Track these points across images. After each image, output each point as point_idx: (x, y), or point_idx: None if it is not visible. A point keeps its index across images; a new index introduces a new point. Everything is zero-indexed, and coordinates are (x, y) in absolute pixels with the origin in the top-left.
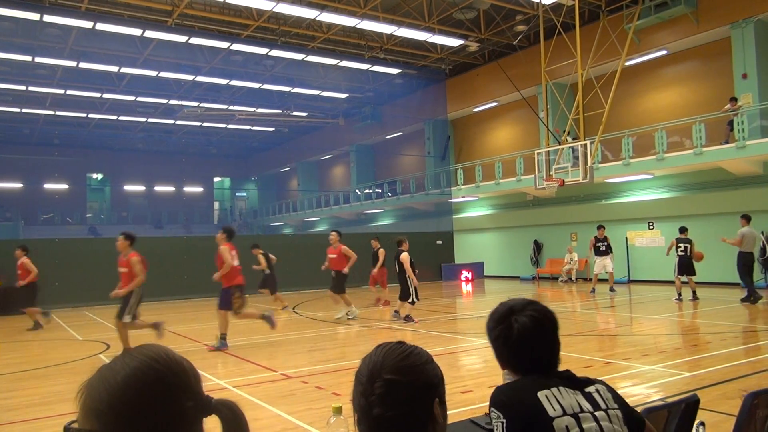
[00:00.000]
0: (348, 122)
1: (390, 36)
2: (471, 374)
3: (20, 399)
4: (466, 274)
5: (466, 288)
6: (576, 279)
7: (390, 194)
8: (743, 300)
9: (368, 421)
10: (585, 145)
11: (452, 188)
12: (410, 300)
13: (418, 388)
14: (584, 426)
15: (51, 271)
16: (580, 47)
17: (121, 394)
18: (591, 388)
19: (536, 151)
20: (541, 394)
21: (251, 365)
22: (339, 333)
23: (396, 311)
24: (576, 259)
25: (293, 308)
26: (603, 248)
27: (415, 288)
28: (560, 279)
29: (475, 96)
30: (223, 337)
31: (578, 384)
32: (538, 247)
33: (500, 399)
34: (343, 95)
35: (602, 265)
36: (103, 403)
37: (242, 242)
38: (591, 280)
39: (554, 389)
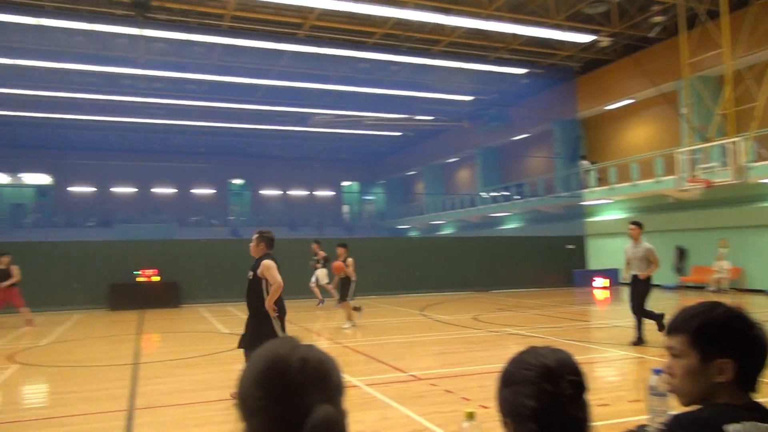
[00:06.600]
0: (473, 125)
1: (515, 35)
2: (608, 387)
3: (173, 385)
4: (600, 280)
5: (600, 295)
6: (728, 289)
7: (518, 197)
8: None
9: (555, 420)
10: (736, 142)
11: (584, 191)
12: None
13: (586, 389)
14: None
15: (198, 269)
16: (729, 36)
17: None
18: None
19: (677, 150)
20: (729, 429)
21: (381, 365)
22: (469, 337)
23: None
24: (726, 267)
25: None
26: None
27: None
28: (709, 288)
29: (607, 94)
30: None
31: None
32: (681, 253)
33: None
34: (468, 98)
35: None
36: None
37: (368, 245)
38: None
39: (747, 423)
